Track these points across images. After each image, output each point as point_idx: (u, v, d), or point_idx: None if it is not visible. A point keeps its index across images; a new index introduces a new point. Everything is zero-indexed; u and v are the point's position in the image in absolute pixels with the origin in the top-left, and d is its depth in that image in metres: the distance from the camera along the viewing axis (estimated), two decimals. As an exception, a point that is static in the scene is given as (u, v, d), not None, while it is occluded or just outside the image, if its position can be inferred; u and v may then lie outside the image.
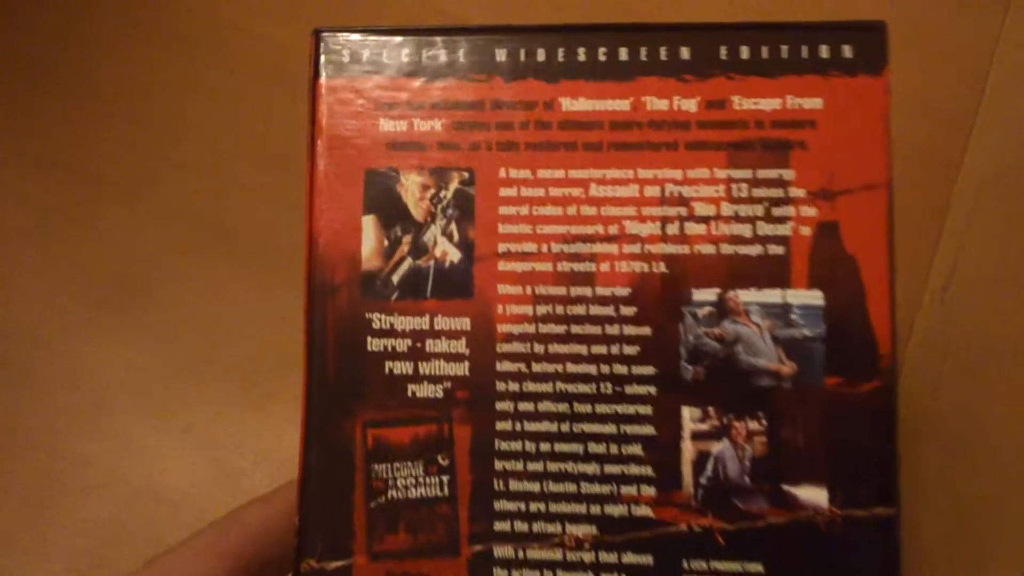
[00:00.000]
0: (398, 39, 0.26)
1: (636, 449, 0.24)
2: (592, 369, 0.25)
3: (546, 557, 0.24)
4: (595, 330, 0.25)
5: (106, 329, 0.42)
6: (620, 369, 0.25)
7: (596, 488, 0.24)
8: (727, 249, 0.25)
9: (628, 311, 0.25)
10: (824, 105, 0.25)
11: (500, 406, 0.25)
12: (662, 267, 0.25)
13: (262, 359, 0.41)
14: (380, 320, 0.25)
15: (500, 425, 0.25)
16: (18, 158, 0.45)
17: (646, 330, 0.25)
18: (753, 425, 0.24)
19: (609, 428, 0.24)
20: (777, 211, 0.25)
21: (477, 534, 0.24)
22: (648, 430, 0.24)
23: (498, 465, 0.25)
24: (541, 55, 0.25)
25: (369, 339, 0.25)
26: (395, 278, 0.25)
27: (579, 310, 0.25)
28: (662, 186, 0.25)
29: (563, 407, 0.25)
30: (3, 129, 0.45)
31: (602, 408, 0.25)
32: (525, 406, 0.25)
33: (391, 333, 0.25)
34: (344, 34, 0.26)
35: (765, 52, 0.25)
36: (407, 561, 0.24)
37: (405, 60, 0.26)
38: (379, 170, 0.25)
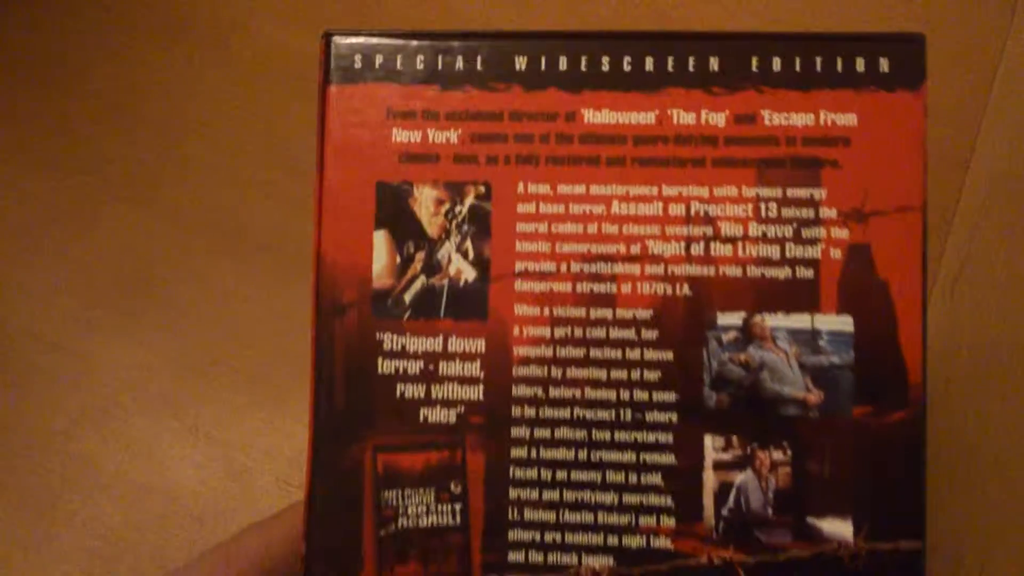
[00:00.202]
0: (413, 44, 0.24)
1: (656, 478, 0.24)
2: (611, 395, 0.24)
3: (561, 588, 0.23)
4: (615, 354, 0.24)
5: (114, 330, 0.42)
6: (641, 395, 0.24)
7: (614, 518, 0.24)
8: (754, 271, 0.24)
9: (650, 335, 0.24)
10: (859, 122, 0.23)
11: (515, 432, 0.24)
12: (686, 289, 0.24)
13: (271, 358, 0.41)
14: (391, 341, 0.24)
15: (515, 452, 0.24)
16: (26, 159, 0.44)
17: (668, 355, 0.24)
18: (778, 455, 0.23)
19: (628, 456, 0.24)
20: (807, 232, 0.24)
21: (490, 564, 0.24)
22: (669, 459, 0.24)
23: (512, 493, 0.24)
24: (563, 63, 0.24)
25: (380, 360, 0.24)
26: (407, 297, 0.24)
27: (599, 333, 0.24)
28: (687, 204, 0.24)
29: (581, 434, 0.24)
30: (11, 130, 0.45)
31: (621, 435, 0.24)
32: (541, 432, 0.24)
33: (403, 355, 0.24)
34: (356, 38, 0.24)
35: (798, 64, 0.24)
36: (417, 590, 0.24)
37: (420, 67, 0.24)
38: (391, 183, 0.24)
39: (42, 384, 0.41)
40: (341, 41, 0.24)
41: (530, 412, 0.24)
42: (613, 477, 0.24)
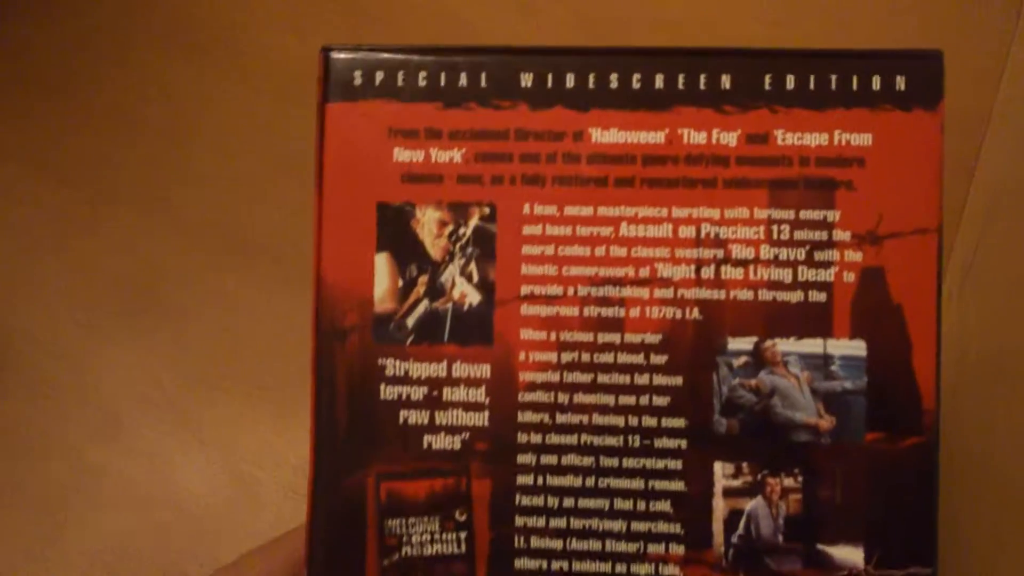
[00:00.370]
0: (415, 59, 0.23)
1: (665, 506, 0.23)
2: (619, 421, 0.23)
3: (569, 617, 0.23)
4: (623, 379, 0.23)
5: (120, 338, 0.42)
6: (649, 421, 0.23)
7: (622, 546, 0.23)
8: (766, 295, 0.23)
9: (659, 360, 0.23)
10: (874, 142, 0.23)
11: (521, 459, 0.23)
12: (696, 313, 0.23)
13: (278, 368, 0.40)
14: (394, 366, 0.23)
15: (521, 479, 0.23)
16: (31, 165, 0.44)
17: (677, 380, 0.23)
18: (788, 482, 0.23)
19: (637, 483, 0.23)
20: (820, 255, 0.23)
21: (497, 594, 0.23)
22: (678, 486, 0.23)
23: (519, 521, 0.23)
24: (570, 80, 0.23)
25: (382, 386, 0.23)
26: (410, 321, 0.23)
27: (606, 358, 0.23)
28: (698, 226, 0.23)
29: (588, 461, 0.23)
30: (15, 135, 0.44)
31: (629, 462, 0.23)
32: (548, 459, 0.23)
33: (406, 380, 0.23)
34: (355, 53, 0.24)
35: (812, 82, 0.23)
36: (422, 620, 0.23)
37: (422, 83, 0.23)
38: (393, 204, 0.23)
39: (47, 393, 0.41)
40: (340, 57, 0.24)
41: (536, 439, 0.23)
42: (621, 504, 0.23)
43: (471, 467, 0.23)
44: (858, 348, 0.23)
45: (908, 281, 0.23)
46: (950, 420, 0.36)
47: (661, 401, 0.23)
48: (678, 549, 0.23)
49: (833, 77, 0.23)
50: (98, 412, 0.41)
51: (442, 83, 0.23)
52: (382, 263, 0.23)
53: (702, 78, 0.23)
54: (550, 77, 0.23)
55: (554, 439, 0.23)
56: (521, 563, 0.23)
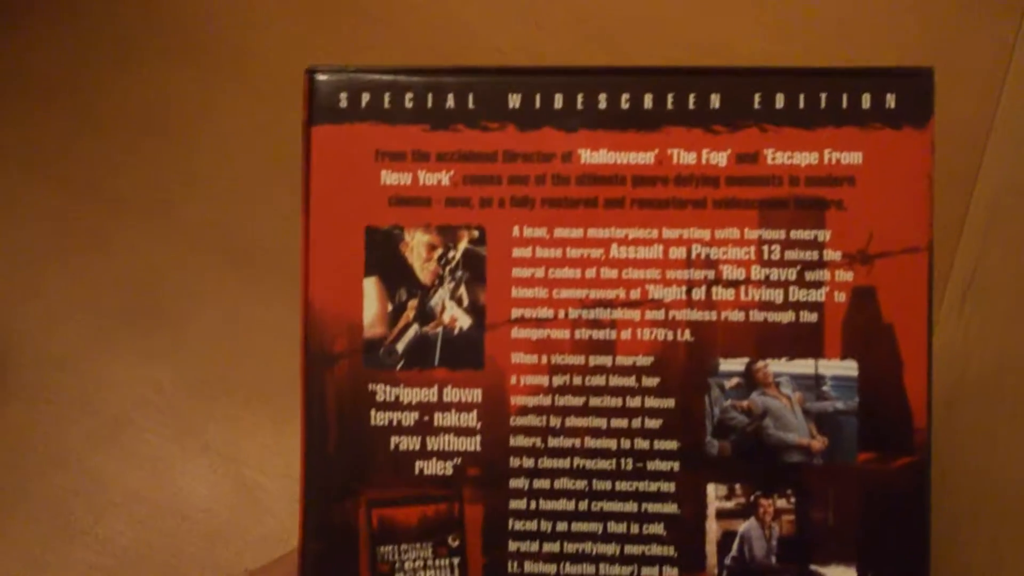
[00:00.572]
0: (401, 80, 0.23)
1: (658, 528, 0.23)
2: (612, 444, 0.23)
3: (563, 641, 0.23)
4: (615, 402, 0.23)
5: (125, 347, 0.42)
6: (642, 444, 0.23)
7: (616, 569, 0.23)
8: (757, 316, 0.23)
9: (650, 382, 0.23)
10: (864, 160, 0.23)
11: (514, 483, 0.23)
12: (687, 335, 0.23)
13: (280, 376, 0.40)
14: (384, 392, 0.23)
15: (514, 503, 0.23)
16: (37, 176, 0.44)
17: (669, 402, 0.23)
18: (781, 503, 0.23)
19: (630, 506, 0.23)
20: (811, 275, 0.23)
21: (490, 619, 0.23)
22: (671, 508, 0.23)
23: (512, 546, 0.23)
24: (558, 101, 0.23)
25: (373, 412, 0.23)
26: (400, 346, 0.23)
27: (598, 381, 0.23)
28: (688, 247, 0.23)
29: (581, 484, 0.23)
30: (22, 147, 0.44)
31: (622, 485, 0.23)
32: (540, 483, 0.23)
33: (396, 406, 0.23)
34: (340, 74, 0.23)
35: (802, 101, 0.23)
36: (416, 646, 0.23)
37: (409, 105, 0.23)
38: (381, 228, 0.23)
39: (52, 402, 0.41)
40: (325, 78, 0.23)
41: (529, 463, 0.23)
42: (614, 527, 0.23)
43: (463, 492, 0.23)
44: (849, 368, 0.23)
45: (899, 300, 0.23)
46: (950, 435, 0.37)
47: (653, 423, 0.23)
48: (672, 572, 0.23)
49: (823, 95, 0.23)
50: (100, 418, 0.41)
51: (429, 104, 0.23)
52: (371, 287, 0.23)
53: (691, 98, 0.23)
54: (538, 98, 0.23)
55: (546, 463, 0.23)
56: (515, 588, 0.23)
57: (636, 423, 0.23)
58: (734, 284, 0.23)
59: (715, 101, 0.23)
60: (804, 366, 0.23)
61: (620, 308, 0.23)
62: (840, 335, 0.23)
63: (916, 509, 0.23)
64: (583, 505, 0.23)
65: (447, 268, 0.23)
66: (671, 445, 0.23)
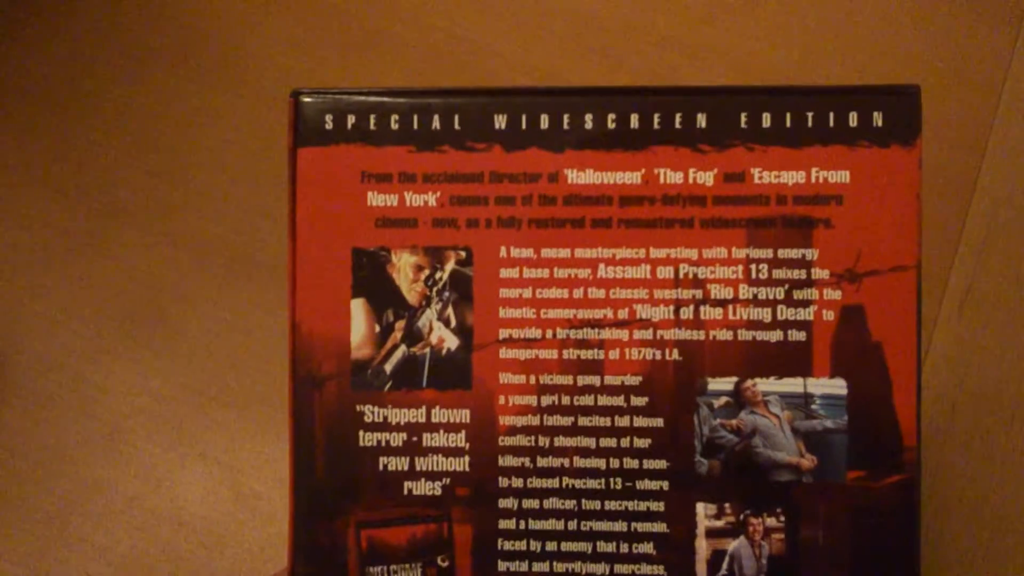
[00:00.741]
0: (387, 101, 0.23)
1: (648, 548, 0.23)
2: (601, 463, 0.23)
3: (553, 661, 0.23)
4: (604, 422, 0.23)
5: (124, 355, 0.42)
6: (631, 463, 0.23)
7: (605, 589, 0.23)
8: (745, 335, 0.23)
9: (639, 401, 0.23)
10: (852, 179, 0.23)
11: (503, 503, 0.23)
12: (675, 354, 0.23)
13: (278, 384, 0.40)
14: (372, 413, 0.23)
15: (503, 523, 0.23)
16: (36, 183, 0.44)
17: (658, 422, 0.23)
18: (771, 522, 0.23)
19: (619, 526, 0.23)
20: (799, 294, 0.23)
21: (480, 640, 0.23)
22: (660, 527, 0.23)
23: (501, 566, 0.23)
24: (544, 121, 0.23)
25: (361, 433, 0.23)
26: (388, 367, 0.23)
27: (587, 400, 0.23)
28: (676, 267, 0.23)
29: (570, 504, 0.23)
30: (20, 154, 0.44)
31: (612, 505, 0.23)
32: (530, 503, 0.23)
33: (385, 427, 0.23)
34: (325, 97, 0.23)
35: (789, 120, 0.23)
36: (406, 667, 0.23)
37: (394, 126, 0.23)
38: (368, 249, 0.23)
39: (51, 409, 0.41)
40: (310, 101, 0.23)
41: (518, 483, 0.23)
42: (604, 547, 0.23)
43: (452, 513, 0.23)
44: (838, 387, 0.23)
45: (888, 319, 0.23)
46: (948, 446, 0.36)
47: (642, 443, 0.23)
48: (661, 591, 0.23)
49: (809, 114, 0.23)
50: (98, 425, 0.41)
51: (415, 126, 0.23)
52: (358, 309, 0.23)
53: (677, 117, 0.23)
54: (524, 118, 0.23)
55: (535, 483, 0.23)
56: (504, 608, 0.23)
57: (625, 442, 0.23)
58: (722, 303, 0.23)
59: (701, 120, 0.23)
60: (793, 385, 0.23)
61: (608, 328, 0.23)
62: (829, 354, 0.23)
63: (906, 527, 0.23)
64: (572, 525, 0.23)
65: (434, 289, 0.23)
66: (660, 464, 0.23)
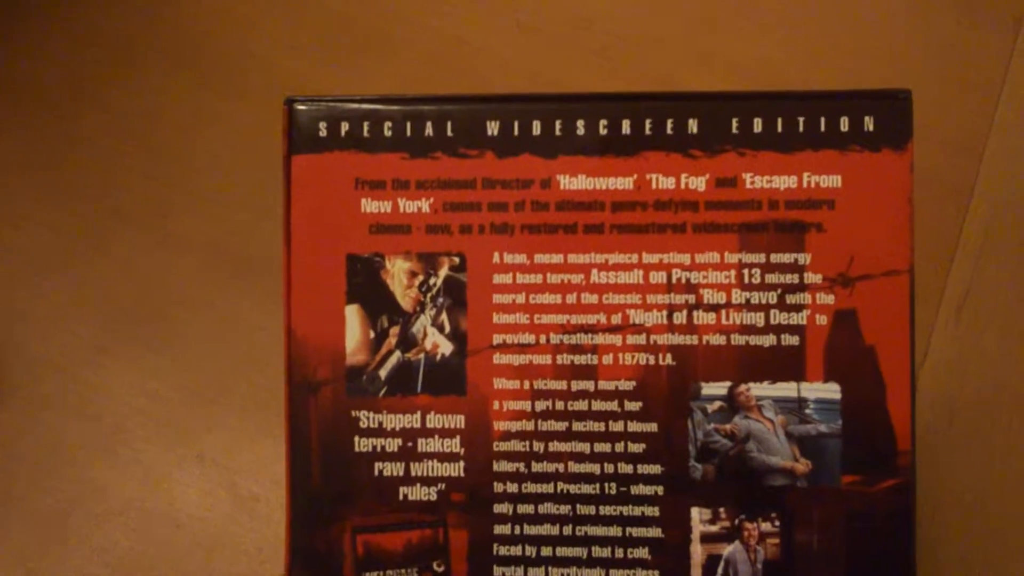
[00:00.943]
0: (380, 108, 0.23)
1: (643, 552, 0.23)
2: (595, 468, 0.23)
3: (548, 666, 0.23)
4: (598, 427, 0.23)
5: (123, 356, 0.42)
6: (625, 468, 0.23)
7: (600, 594, 0.23)
8: (738, 339, 0.23)
9: (633, 406, 0.23)
10: (843, 183, 0.23)
11: (498, 508, 0.23)
12: (669, 359, 0.23)
13: (276, 386, 0.40)
14: (367, 418, 0.23)
15: (498, 528, 0.23)
16: (36, 185, 0.44)
17: (652, 427, 0.23)
18: (766, 526, 0.23)
19: (614, 531, 0.23)
20: (792, 298, 0.23)
21: (476, 645, 0.23)
22: (655, 532, 0.23)
23: (496, 571, 0.23)
24: (537, 128, 0.23)
25: (356, 439, 0.23)
26: (383, 373, 0.23)
27: (581, 406, 0.23)
28: (669, 272, 0.23)
29: (565, 509, 0.23)
30: (21, 155, 0.45)
31: (606, 509, 0.23)
32: (525, 508, 0.23)
33: (380, 432, 0.23)
34: (319, 104, 0.23)
35: (780, 125, 0.23)
36: (402, 672, 0.23)
37: (388, 133, 0.23)
38: (362, 255, 0.23)
39: (50, 410, 0.41)
40: (304, 108, 0.23)
41: (512, 488, 0.23)
42: (599, 552, 0.23)
43: (448, 518, 0.23)
44: (832, 391, 0.23)
45: (881, 323, 0.23)
46: (946, 450, 0.36)
47: (636, 448, 0.23)
48: (656, 596, 0.23)
49: (801, 119, 0.23)
50: (96, 427, 0.41)
51: (408, 133, 0.23)
52: (353, 315, 0.23)
53: (669, 123, 0.23)
54: (516, 125, 0.23)
55: (530, 488, 0.23)
56: (499, 613, 0.23)
57: (619, 447, 0.23)
58: (715, 308, 0.23)
59: (693, 126, 0.23)
60: (787, 389, 0.23)
61: (601, 333, 0.23)
62: (822, 358, 0.23)
63: (902, 531, 0.23)
64: (567, 530, 0.23)
65: (428, 295, 0.23)
66: (655, 469, 0.23)
